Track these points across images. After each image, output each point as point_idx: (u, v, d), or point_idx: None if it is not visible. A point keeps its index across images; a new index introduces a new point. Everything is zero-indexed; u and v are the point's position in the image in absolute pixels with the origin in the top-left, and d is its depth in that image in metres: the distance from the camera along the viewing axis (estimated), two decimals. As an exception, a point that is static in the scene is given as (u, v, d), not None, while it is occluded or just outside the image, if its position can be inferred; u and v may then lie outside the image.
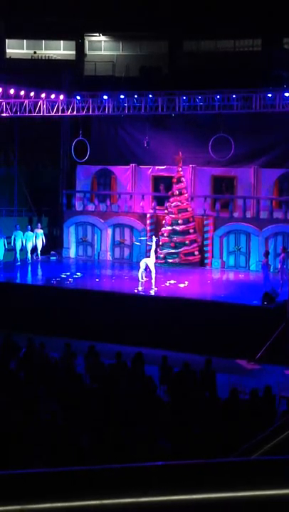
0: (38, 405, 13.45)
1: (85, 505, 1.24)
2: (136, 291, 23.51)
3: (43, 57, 39.47)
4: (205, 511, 1.41)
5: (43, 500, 1.26)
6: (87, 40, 40.12)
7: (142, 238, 29.03)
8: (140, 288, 23.85)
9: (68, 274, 26.86)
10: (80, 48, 39.67)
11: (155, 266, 24.83)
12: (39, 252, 29.88)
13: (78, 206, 31.80)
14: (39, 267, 29.01)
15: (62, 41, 40.31)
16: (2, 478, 1.31)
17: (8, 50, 39.70)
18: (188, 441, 11.70)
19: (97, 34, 40.03)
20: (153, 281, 24.30)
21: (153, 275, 24.43)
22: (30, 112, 27.60)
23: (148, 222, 29.71)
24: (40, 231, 29.92)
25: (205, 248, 28.75)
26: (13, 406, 13.03)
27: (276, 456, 1.76)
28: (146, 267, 24.50)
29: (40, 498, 1.26)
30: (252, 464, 1.57)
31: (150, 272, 24.51)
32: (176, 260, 27.93)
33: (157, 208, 30.07)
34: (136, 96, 26.84)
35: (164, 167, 30.61)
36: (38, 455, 10.86)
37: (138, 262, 29.20)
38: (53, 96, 27.78)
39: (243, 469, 1.49)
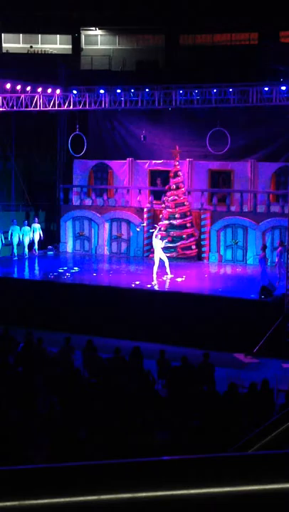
0: (36, 399, 13.47)
1: (83, 501, 1.25)
2: (133, 285, 23.51)
3: (40, 52, 39.38)
4: (202, 506, 1.41)
5: (40, 495, 1.26)
6: (83, 34, 40.02)
7: (143, 225, 29.21)
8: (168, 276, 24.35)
9: (66, 268, 26.85)
10: (76, 42, 39.58)
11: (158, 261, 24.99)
12: (36, 246, 29.87)
13: (75, 201, 31.79)
14: (36, 261, 29.00)
15: (58, 35, 40.21)
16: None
17: (4, 45, 39.63)
18: (186, 435, 11.72)
19: (94, 28, 39.94)
20: (154, 275, 24.41)
21: (155, 269, 24.57)
22: (26, 106, 27.54)
23: (145, 216, 29.71)
24: (37, 226, 29.90)
25: (202, 242, 28.77)
26: (11, 400, 13.04)
27: (273, 451, 1.76)
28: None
29: (38, 493, 1.26)
30: (249, 459, 1.57)
31: (153, 264, 24.69)
32: (174, 254, 27.92)
33: (154, 202, 30.07)
34: (132, 90, 26.78)
35: (161, 161, 30.60)
36: (36, 448, 10.87)
37: (135, 257, 29.36)
38: (49, 90, 27.72)
39: (239, 464, 1.49)
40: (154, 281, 23.99)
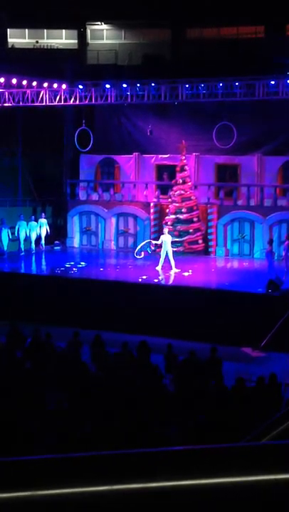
0: (43, 394, 13.49)
1: (96, 491, 1.25)
2: (140, 279, 23.52)
3: (45, 47, 39.34)
4: (216, 496, 1.42)
5: (53, 486, 1.26)
6: (89, 28, 39.98)
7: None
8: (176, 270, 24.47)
9: (72, 263, 26.88)
10: (82, 37, 39.54)
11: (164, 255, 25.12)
12: (43, 241, 29.91)
13: (82, 196, 31.80)
14: (43, 256, 29.03)
15: (64, 30, 40.18)
16: (12, 464, 1.32)
17: (10, 40, 39.61)
18: (194, 429, 11.73)
19: (99, 23, 39.89)
20: (159, 267, 24.54)
21: (161, 262, 24.67)
22: (32, 101, 27.56)
23: (152, 211, 29.71)
24: (44, 221, 29.93)
25: (209, 236, 28.75)
26: (19, 395, 13.07)
27: (285, 441, 1.76)
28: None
29: (51, 483, 1.27)
30: (262, 449, 1.57)
31: (159, 258, 24.83)
32: (180, 249, 27.92)
33: (161, 196, 30.06)
34: (138, 84, 26.77)
35: (168, 156, 30.58)
36: (44, 443, 10.90)
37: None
38: (55, 85, 27.72)
39: (253, 454, 1.50)
40: (159, 266, 24.32)
